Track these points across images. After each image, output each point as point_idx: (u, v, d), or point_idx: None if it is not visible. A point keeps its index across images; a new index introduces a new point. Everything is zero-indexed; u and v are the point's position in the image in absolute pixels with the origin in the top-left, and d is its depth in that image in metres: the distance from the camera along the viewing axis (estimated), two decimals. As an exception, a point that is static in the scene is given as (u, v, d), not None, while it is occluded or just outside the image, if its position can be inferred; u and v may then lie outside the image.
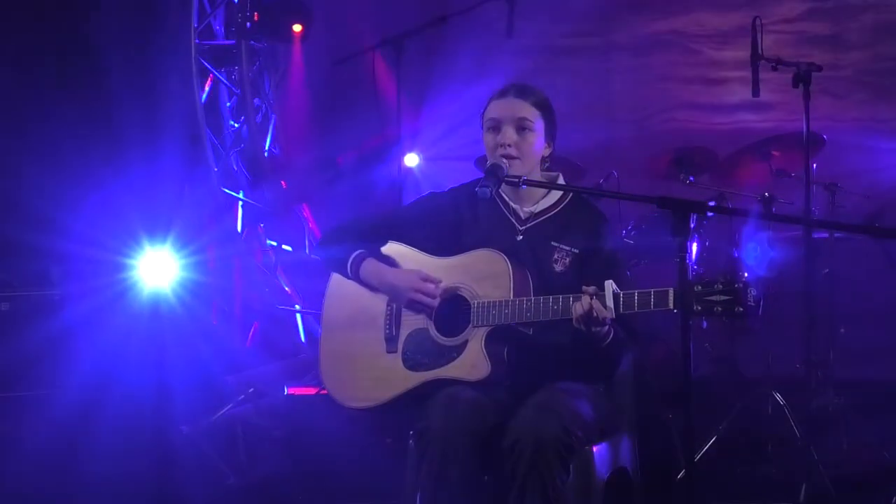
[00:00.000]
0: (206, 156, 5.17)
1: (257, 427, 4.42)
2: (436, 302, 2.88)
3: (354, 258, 2.96)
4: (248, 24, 5.36)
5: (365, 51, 4.98)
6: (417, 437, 2.71)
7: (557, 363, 2.84)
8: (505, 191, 2.96)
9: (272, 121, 5.88)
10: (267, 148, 5.76)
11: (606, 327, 2.69)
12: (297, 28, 5.61)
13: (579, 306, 2.63)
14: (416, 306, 2.90)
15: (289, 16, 5.55)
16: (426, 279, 2.89)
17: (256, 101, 5.75)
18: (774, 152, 4.70)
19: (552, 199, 2.97)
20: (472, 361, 2.79)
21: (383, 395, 2.91)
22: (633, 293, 2.61)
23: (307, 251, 5.68)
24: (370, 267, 2.96)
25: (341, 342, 3.04)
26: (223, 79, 5.52)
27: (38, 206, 4.25)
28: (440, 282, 2.89)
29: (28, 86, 4.47)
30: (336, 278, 3.07)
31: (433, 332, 2.88)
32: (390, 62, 4.83)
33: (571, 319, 2.67)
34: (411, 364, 2.89)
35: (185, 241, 4.58)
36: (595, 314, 2.62)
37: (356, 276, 2.97)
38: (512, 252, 2.85)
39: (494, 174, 2.80)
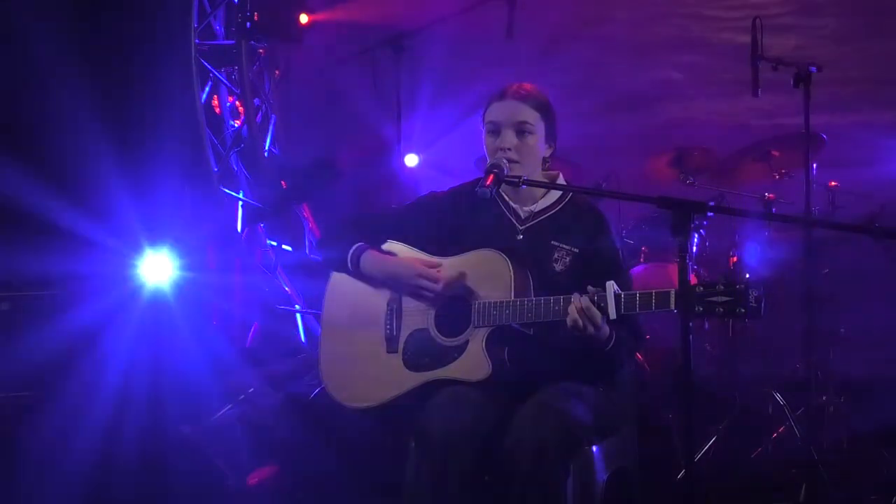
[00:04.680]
0: (206, 156, 5.16)
1: (257, 427, 4.42)
2: (439, 286, 2.87)
3: (354, 251, 2.96)
4: (248, 24, 5.35)
5: (365, 51, 4.98)
6: (418, 437, 2.71)
7: (558, 363, 2.83)
8: (505, 190, 2.96)
9: (272, 121, 5.88)
10: (267, 148, 5.75)
11: (606, 331, 2.69)
12: (304, 19, 5.58)
13: (572, 308, 2.64)
14: (419, 293, 2.89)
15: (289, 13, 5.54)
16: (429, 264, 2.89)
17: (256, 101, 5.75)
18: (774, 152, 4.71)
19: (552, 198, 2.97)
20: (472, 362, 2.79)
21: (384, 395, 2.91)
22: (635, 294, 2.61)
23: (307, 251, 5.68)
24: (371, 257, 2.95)
25: (341, 342, 3.04)
26: (223, 79, 5.51)
27: (39, 207, 4.25)
28: (440, 266, 2.89)
29: (27, 86, 4.47)
30: (336, 277, 3.07)
31: (434, 332, 2.88)
32: (390, 62, 4.83)
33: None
34: (412, 364, 2.89)
35: (185, 242, 4.57)
36: (588, 313, 2.62)
37: (356, 269, 2.97)
38: (512, 252, 2.85)
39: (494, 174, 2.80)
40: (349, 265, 2.98)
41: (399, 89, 4.82)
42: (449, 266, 2.92)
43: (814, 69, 3.95)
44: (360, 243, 2.98)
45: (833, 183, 4.72)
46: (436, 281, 2.87)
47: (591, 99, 6.19)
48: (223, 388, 4.53)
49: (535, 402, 2.70)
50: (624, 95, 6.36)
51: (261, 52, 5.77)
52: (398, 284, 2.94)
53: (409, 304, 2.94)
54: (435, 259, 2.95)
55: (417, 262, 2.92)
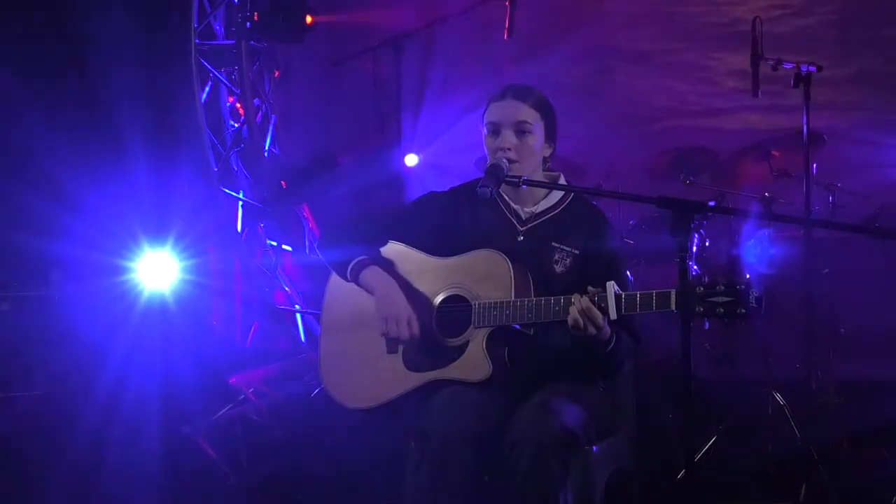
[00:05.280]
0: (207, 156, 5.16)
1: (257, 427, 4.42)
2: (405, 336, 2.84)
3: (356, 264, 2.96)
4: (248, 24, 5.35)
5: (365, 51, 4.98)
6: (418, 437, 2.71)
7: (558, 363, 2.84)
8: (505, 191, 2.96)
9: (272, 121, 5.88)
10: (267, 148, 5.75)
11: (607, 332, 2.69)
12: (308, 19, 5.59)
13: (573, 309, 2.63)
14: (387, 327, 2.87)
15: (289, 13, 5.53)
16: (412, 319, 2.86)
17: (256, 101, 5.74)
18: (774, 152, 4.71)
19: (553, 199, 2.97)
20: (473, 362, 2.79)
21: (384, 395, 2.91)
22: (635, 294, 2.61)
23: (307, 251, 5.68)
24: (371, 275, 2.94)
25: (341, 342, 3.04)
26: (223, 79, 5.51)
27: (38, 207, 4.25)
28: (416, 334, 2.86)
29: (27, 86, 4.47)
30: (336, 278, 3.07)
31: (434, 332, 2.88)
32: (390, 62, 4.82)
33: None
34: (412, 364, 2.88)
35: (185, 242, 4.57)
36: (589, 314, 2.62)
37: (355, 281, 2.97)
38: (512, 253, 2.85)
39: (495, 174, 2.80)
40: (348, 277, 2.98)
41: (399, 89, 4.82)
42: (449, 266, 2.92)
43: (814, 69, 3.95)
44: (361, 258, 2.96)
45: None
46: (402, 335, 2.84)
47: (591, 99, 6.20)
48: (223, 388, 4.53)
49: (534, 403, 2.70)
50: (624, 95, 6.37)
51: (269, 54, 5.76)
52: (380, 309, 2.90)
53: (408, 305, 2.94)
54: (435, 260, 2.95)
55: (407, 308, 2.87)
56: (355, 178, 5.66)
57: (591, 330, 2.64)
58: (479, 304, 2.81)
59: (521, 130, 2.90)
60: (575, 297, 2.65)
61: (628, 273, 2.99)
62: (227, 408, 4.48)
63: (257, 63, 5.77)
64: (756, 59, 4.10)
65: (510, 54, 5.82)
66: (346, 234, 3.04)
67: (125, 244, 4.36)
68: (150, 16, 4.91)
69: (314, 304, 5.46)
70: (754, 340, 4.75)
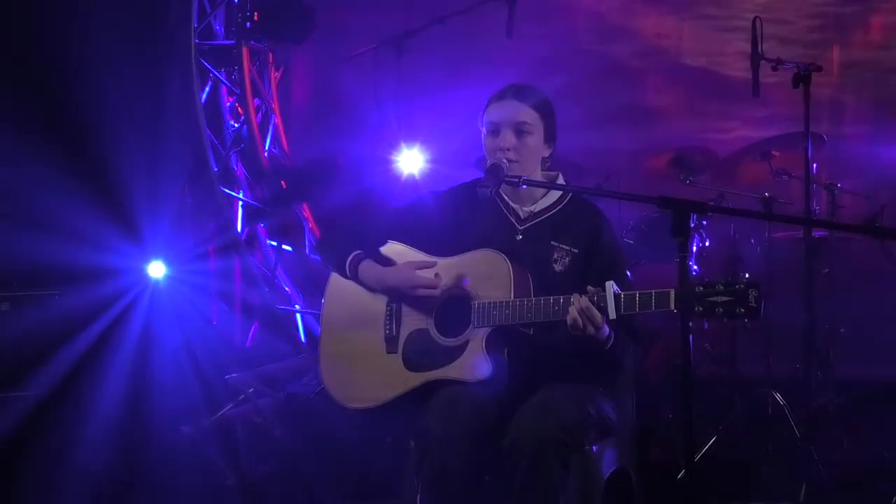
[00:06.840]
0: (206, 156, 5.16)
1: (257, 427, 4.42)
2: (438, 291, 2.87)
3: (352, 259, 2.96)
4: (248, 24, 5.35)
5: (365, 51, 4.98)
6: (418, 437, 2.71)
7: (558, 363, 2.83)
8: (505, 191, 2.96)
9: (272, 121, 5.88)
10: (267, 148, 5.75)
11: (606, 331, 2.69)
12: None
13: (572, 308, 2.63)
14: (419, 303, 2.89)
15: (290, 14, 5.53)
16: (421, 268, 2.89)
17: (256, 101, 5.75)
18: (774, 152, 4.71)
19: (551, 198, 2.97)
20: (472, 362, 2.79)
21: (384, 395, 2.91)
22: (634, 294, 2.61)
23: (307, 251, 5.68)
24: (368, 269, 2.95)
25: (341, 342, 3.04)
26: (223, 79, 5.52)
27: (39, 206, 4.25)
28: (435, 266, 2.89)
29: (28, 86, 4.47)
30: (336, 278, 3.07)
31: (434, 332, 2.88)
32: (390, 62, 4.82)
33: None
34: (412, 364, 2.88)
35: (185, 242, 4.58)
36: (588, 314, 2.62)
37: (354, 278, 2.97)
38: (511, 252, 2.85)
39: (494, 174, 2.81)
40: (347, 273, 2.98)
41: (399, 89, 4.82)
42: (448, 266, 2.92)
43: (814, 70, 3.95)
44: (357, 252, 2.97)
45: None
46: (434, 287, 2.87)
47: (591, 99, 6.19)
48: (223, 388, 4.53)
49: (534, 403, 2.70)
50: (624, 94, 6.36)
51: (269, 55, 5.76)
52: (397, 297, 2.94)
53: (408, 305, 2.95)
54: (433, 259, 2.95)
55: (414, 272, 2.90)
56: (355, 179, 5.66)
57: (591, 329, 2.64)
58: (479, 304, 2.81)
59: (520, 131, 2.90)
60: (574, 297, 2.65)
61: (628, 272, 2.97)
62: (227, 408, 4.48)
63: (257, 63, 5.77)
64: (756, 59, 4.10)
65: (510, 54, 5.82)
66: (345, 235, 3.04)
67: (125, 244, 4.37)
68: (151, 16, 4.91)
69: (314, 304, 5.47)
70: (754, 340, 4.75)
